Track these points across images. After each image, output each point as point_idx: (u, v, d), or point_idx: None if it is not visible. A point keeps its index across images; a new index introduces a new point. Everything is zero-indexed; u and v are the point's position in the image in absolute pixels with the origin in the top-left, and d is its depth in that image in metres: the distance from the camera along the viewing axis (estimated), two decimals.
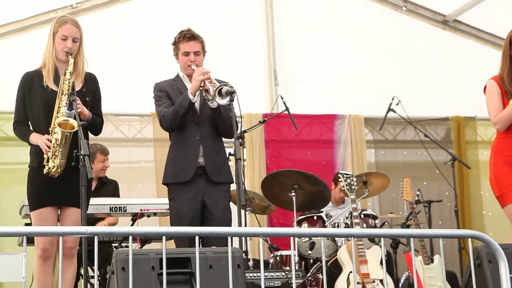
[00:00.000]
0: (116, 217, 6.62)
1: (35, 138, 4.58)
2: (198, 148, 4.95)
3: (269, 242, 6.81)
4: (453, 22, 9.55)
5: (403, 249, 7.08)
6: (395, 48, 9.26)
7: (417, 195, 7.44)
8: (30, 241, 4.65)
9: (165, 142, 5.29)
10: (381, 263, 5.84)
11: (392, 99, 7.43)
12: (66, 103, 4.45)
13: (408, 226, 7.00)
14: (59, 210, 4.61)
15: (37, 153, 4.58)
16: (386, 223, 7.35)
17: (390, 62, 9.18)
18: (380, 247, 5.97)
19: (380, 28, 9.35)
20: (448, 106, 9.11)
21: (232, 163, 5.24)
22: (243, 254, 4.33)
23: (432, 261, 6.15)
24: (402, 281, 6.88)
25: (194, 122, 4.99)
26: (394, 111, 7.47)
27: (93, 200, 5.29)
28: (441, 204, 8.37)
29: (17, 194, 6.76)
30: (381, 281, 5.79)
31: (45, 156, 4.50)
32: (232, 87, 4.72)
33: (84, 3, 8.41)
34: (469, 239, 3.59)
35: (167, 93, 5.06)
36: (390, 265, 7.00)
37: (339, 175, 6.42)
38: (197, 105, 4.99)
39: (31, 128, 4.68)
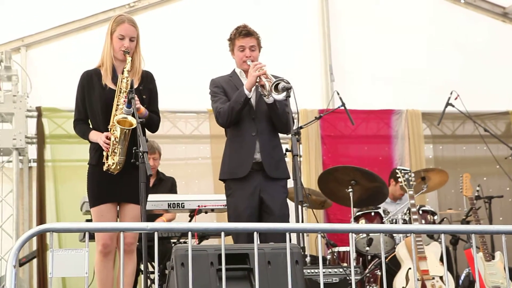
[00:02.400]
0: (174, 213, 6.67)
1: (95, 136, 4.64)
2: (254, 144, 4.96)
3: (327, 238, 6.79)
4: None
5: (463, 246, 6.96)
6: (453, 42, 9.11)
7: (477, 190, 7.31)
8: (91, 237, 4.74)
9: (222, 138, 5.31)
10: (441, 259, 5.77)
11: (451, 93, 7.32)
12: (124, 101, 4.50)
13: (468, 222, 6.89)
14: (118, 207, 4.67)
15: (96, 150, 4.65)
16: (445, 219, 7.24)
17: (448, 56, 9.05)
18: (440, 243, 5.89)
19: (437, 21, 9.21)
20: (509, 100, 8.92)
21: (288, 159, 5.23)
22: (301, 250, 4.32)
23: (493, 258, 6.03)
24: (462, 278, 6.78)
25: (250, 118, 4.99)
26: (453, 106, 7.35)
27: (151, 197, 5.34)
28: (502, 199, 8.20)
29: (77, 191, 6.88)
30: (441, 277, 5.72)
31: (104, 153, 4.56)
32: (289, 83, 4.71)
33: (141, 2, 8.52)
34: None
35: (223, 89, 5.08)
36: (450, 261, 6.90)
37: (397, 170, 6.35)
38: (253, 100, 5.00)
39: (90, 126, 4.75)
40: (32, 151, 7.98)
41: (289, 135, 4.85)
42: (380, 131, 8.74)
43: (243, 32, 5.05)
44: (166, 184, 6.90)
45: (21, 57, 8.19)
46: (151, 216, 6.43)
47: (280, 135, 5.14)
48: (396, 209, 6.89)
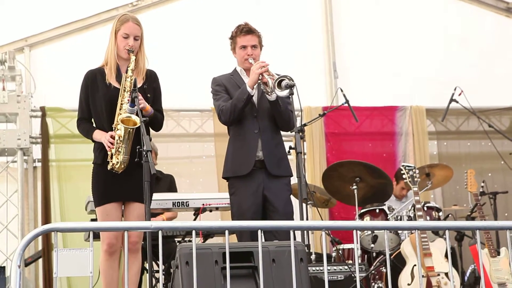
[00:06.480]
0: (175, 212, 6.67)
1: (99, 135, 4.64)
2: (256, 141, 4.96)
3: (331, 236, 6.78)
4: None
5: (468, 242, 6.96)
6: (457, 37, 9.09)
7: (482, 186, 7.30)
8: (96, 236, 4.74)
9: (226, 136, 5.31)
10: (446, 256, 5.76)
11: (455, 89, 7.30)
12: (128, 100, 4.51)
13: (473, 218, 6.88)
14: (123, 206, 4.68)
15: (100, 150, 4.65)
16: (450, 215, 7.24)
17: (452, 52, 9.03)
18: (445, 239, 5.89)
19: (441, 16, 9.19)
20: None
21: (292, 157, 5.22)
22: (306, 248, 4.32)
23: (498, 254, 6.03)
24: (467, 274, 6.78)
25: (253, 116, 4.99)
26: (457, 102, 7.33)
27: (155, 196, 5.34)
28: (507, 195, 8.19)
29: (82, 191, 6.89)
30: (446, 274, 5.71)
31: (108, 152, 4.57)
32: (292, 80, 4.70)
33: (144, 1, 8.51)
34: None
35: (225, 87, 5.07)
36: (455, 258, 6.90)
37: (401, 167, 6.34)
38: (255, 98, 4.99)
39: (94, 125, 4.75)
40: (36, 151, 7.99)
41: (293, 133, 4.85)
42: (384, 127, 8.73)
43: (244, 29, 5.05)
44: (164, 182, 6.88)
45: (25, 57, 8.19)
46: (155, 215, 6.43)
47: (285, 132, 5.14)
48: (400, 207, 6.88)
